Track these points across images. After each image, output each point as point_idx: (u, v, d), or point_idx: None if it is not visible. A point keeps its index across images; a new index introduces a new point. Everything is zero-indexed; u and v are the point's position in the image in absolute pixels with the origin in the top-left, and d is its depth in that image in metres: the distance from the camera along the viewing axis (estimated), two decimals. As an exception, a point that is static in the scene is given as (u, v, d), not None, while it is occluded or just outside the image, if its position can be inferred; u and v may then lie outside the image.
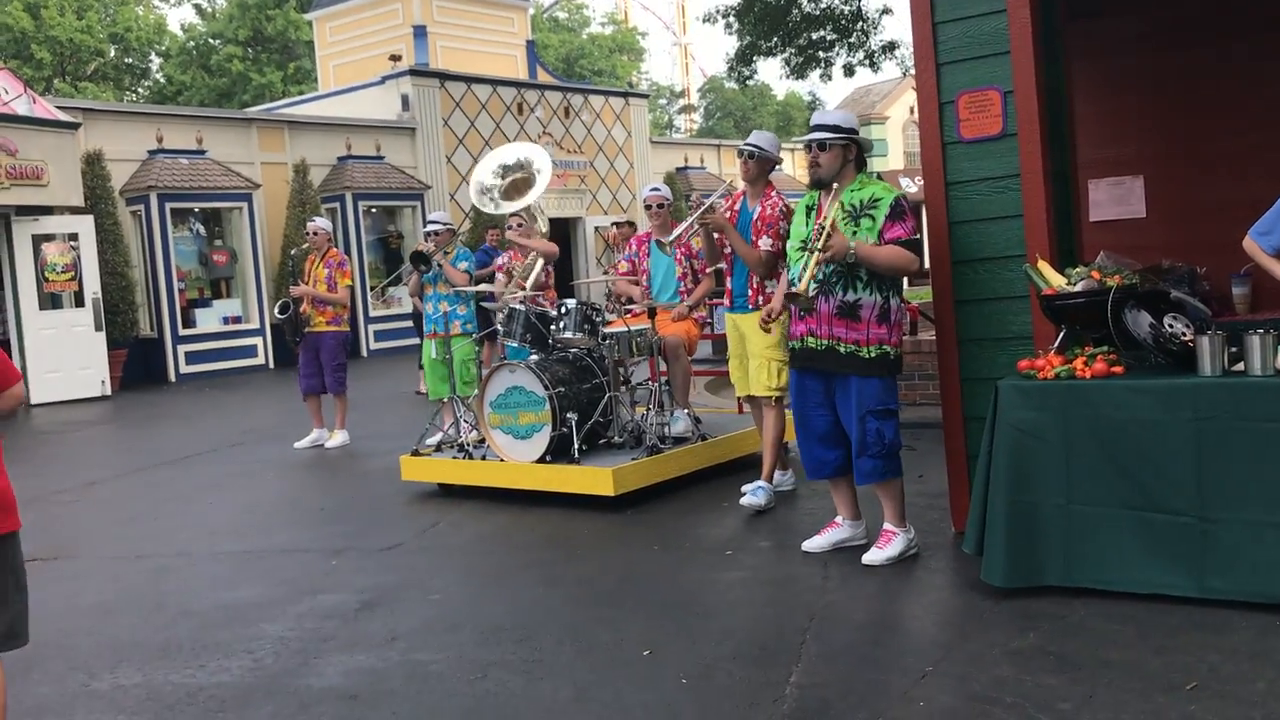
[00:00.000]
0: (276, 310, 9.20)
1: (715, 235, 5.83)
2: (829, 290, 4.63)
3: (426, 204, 20.30)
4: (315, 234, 9.21)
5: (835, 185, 4.70)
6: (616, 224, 13.56)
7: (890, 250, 4.55)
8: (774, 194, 5.77)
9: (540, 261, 7.90)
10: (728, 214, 5.81)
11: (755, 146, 5.71)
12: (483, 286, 7.97)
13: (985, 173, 4.84)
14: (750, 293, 5.81)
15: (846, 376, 4.65)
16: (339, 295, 9.04)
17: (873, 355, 4.62)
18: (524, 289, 7.53)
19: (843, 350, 4.63)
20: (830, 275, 4.62)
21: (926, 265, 5.23)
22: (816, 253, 4.51)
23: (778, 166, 5.97)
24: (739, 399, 6.24)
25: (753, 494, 5.84)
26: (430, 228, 8.60)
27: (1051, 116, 4.94)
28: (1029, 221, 4.70)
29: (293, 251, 9.53)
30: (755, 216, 5.72)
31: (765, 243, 5.65)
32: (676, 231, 6.02)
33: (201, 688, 3.84)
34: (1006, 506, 4.11)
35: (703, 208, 5.68)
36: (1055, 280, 4.36)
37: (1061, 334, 4.36)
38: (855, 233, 4.58)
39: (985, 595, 4.16)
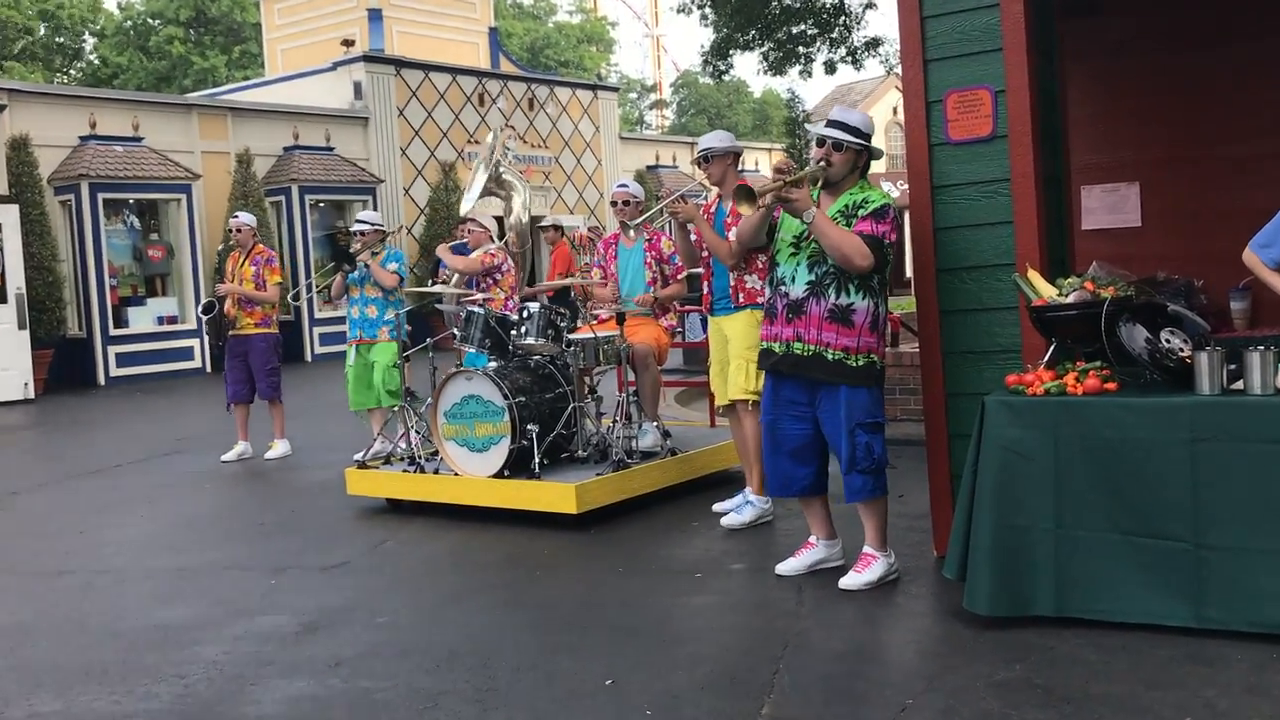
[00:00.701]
0: (200, 310, 9.13)
1: (690, 231, 5.84)
2: (820, 293, 4.62)
3: (378, 198, 20.22)
4: (239, 230, 9.16)
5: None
6: (542, 228, 13.50)
7: (846, 233, 4.53)
8: None
9: (455, 277, 8.07)
10: (703, 215, 5.83)
11: (707, 149, 5.89)
12: (438, 288, 7.96)
13: (974, 176, 4.85)
14: (732, 292, 5.82)
15: (835, 386, 4.65)
16: (268, 294, 8.97)
17: (860, 364, 4.61)
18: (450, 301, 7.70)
19: (830, 357, 4.62)
20: (823, 277, 4.62)
21: (909, 274, 5.24)
22: (783, 184, 4.53)
23: (740, 160, 6.07)
24: (715, 410, 6.22)
25: (737, 511, 5.83)
26: (357, 227, 8.59)
27: (1044, 118, 4.96)
28: (1019, 228, 4.71)
29: (219, 248, 9.46)
30: (728, 213, 5.76)
31: (735, 234, 5.64)
32: (643, 218, 6.06)
33: (127, 716, 3.78)
34: (992, 530, 4.12)
35: (672, 196, 5.68)
36: (1046, 291, 4.38)
37: (1052, 348, 4.38)
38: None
39: (969, 624, 4.17)
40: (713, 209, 5.96)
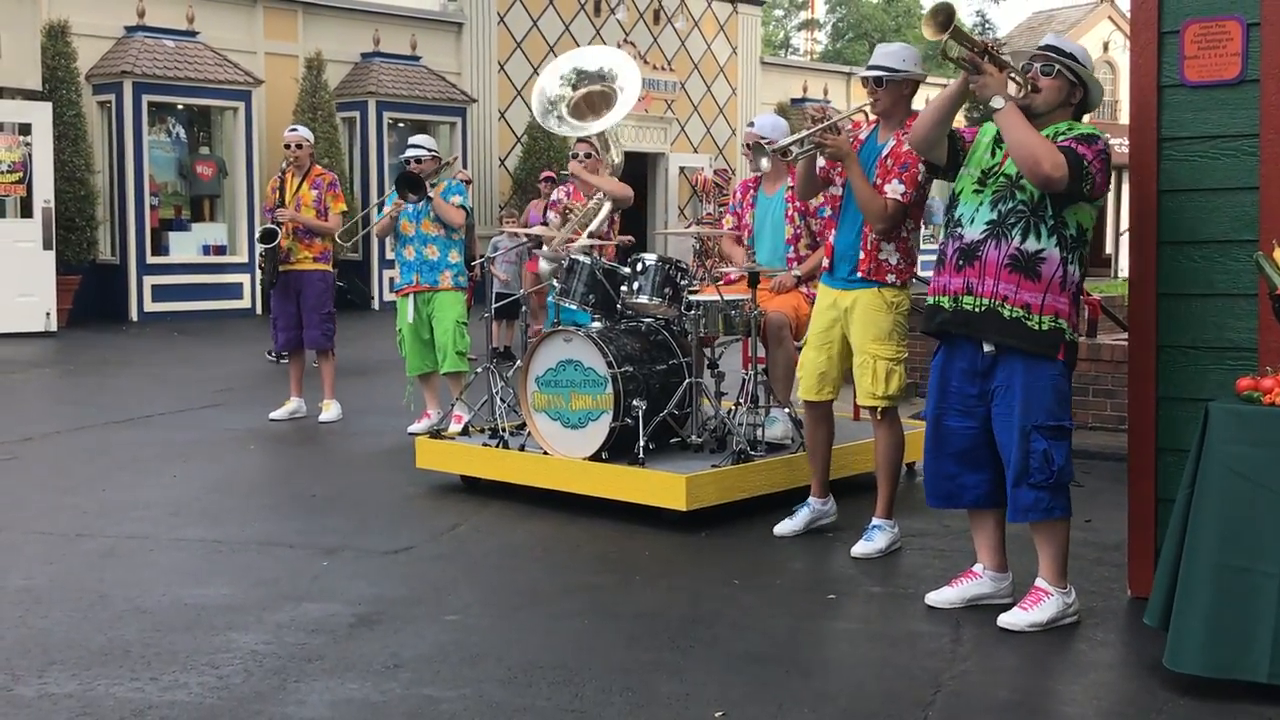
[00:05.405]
0: (258, 238, 9.19)
1: (822, 166, 5.67)
2: (1002, 234, 4.57)
3: (468, 121, 20.39)
4: (297, 147, 9.23)
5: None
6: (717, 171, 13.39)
7: (1040, 136, 4.50)
8: None
9: (607, 206, 7.85)
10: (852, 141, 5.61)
11: (882, 70, 5.51)
12: (537, 229, 7.97)
13: (1213, 128, 4.76)
14: (863, 256, 5.58)
15: (1010, 367, 4.59)
16: (331, 224, 9.09)
17: (1045, 328, 4.54)
18: (578, 238, 7.48)
19: (1007, 314, 4.55)
20: (1007, 215, 4.57)
21: (1109, 250, 5.10)
22: (976, 52, 4.55)
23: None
24: (807, 402, 5.86)
25: (865, 538, 5.73)
26: (411, 153, 8.59)
27: (1309, 61, 4.82)
28: (1267, 196, 4.61)
29: (282, 167, 9.33)
30: (886, 153, 5.54)
31: (894, 188, 5.46)
32: (785, 141, 5.81)
33: (151, 705, 3.89)
34: (1210, 571, 4.02)
35: (826, 123, 5.43)
36: (1296, 276, 4.25)
37: (1300, 348, 4.27)
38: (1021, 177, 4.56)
39: (1167, 685, 4.08)
40: (862, 135, 5.70)
